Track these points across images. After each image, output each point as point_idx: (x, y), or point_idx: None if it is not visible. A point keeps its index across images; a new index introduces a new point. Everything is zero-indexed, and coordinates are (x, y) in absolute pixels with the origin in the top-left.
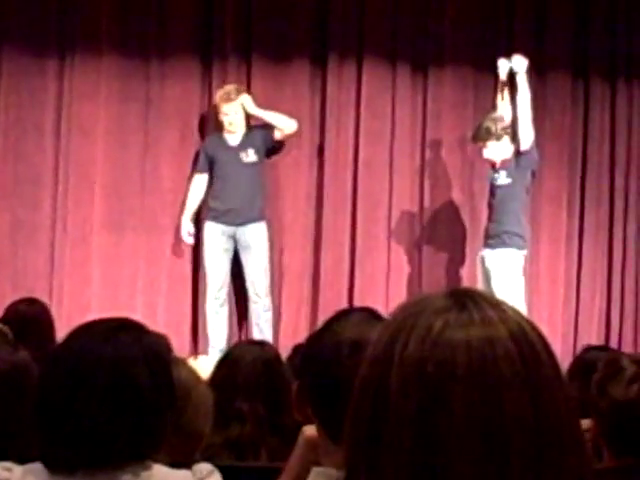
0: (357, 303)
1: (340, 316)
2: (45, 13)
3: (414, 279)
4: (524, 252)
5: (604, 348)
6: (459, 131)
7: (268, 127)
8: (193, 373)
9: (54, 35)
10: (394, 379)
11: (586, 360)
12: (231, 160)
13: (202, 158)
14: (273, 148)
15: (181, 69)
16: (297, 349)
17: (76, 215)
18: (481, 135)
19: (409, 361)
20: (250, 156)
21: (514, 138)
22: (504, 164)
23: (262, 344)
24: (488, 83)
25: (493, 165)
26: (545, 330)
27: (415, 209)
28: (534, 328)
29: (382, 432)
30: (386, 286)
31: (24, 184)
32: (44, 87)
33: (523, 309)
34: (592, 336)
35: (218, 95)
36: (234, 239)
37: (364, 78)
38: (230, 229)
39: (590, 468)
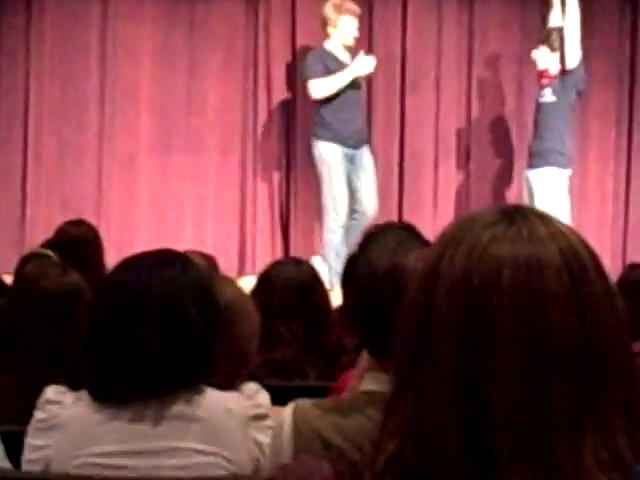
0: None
1: (376, 236)
2: None
3: (462, 198)
4: (568, 171)
5: None
6: (506, 49)
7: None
8: (240, 292)
9: None
10: (440, 292)
11: (631, 279)
12: (352, 82)
13: (318, 65)
14: None
15: None
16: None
17: (123, 137)
18: (541, 37)
19: (455, 274)
20: (363, 82)
21: (562, 56)
22: (550, 81)
23: (298, 264)
24: (534, 1)
25: (539, 81)
26: (594, 248)
27: (462, 127)
28: (586, 245)
29: (428, 346)
30: (434, 205)
31: (70, 106)
32: (88, 8)
33: None
34: None
35: (335, 7)
36: (350, 162)
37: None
38: (351, 151)
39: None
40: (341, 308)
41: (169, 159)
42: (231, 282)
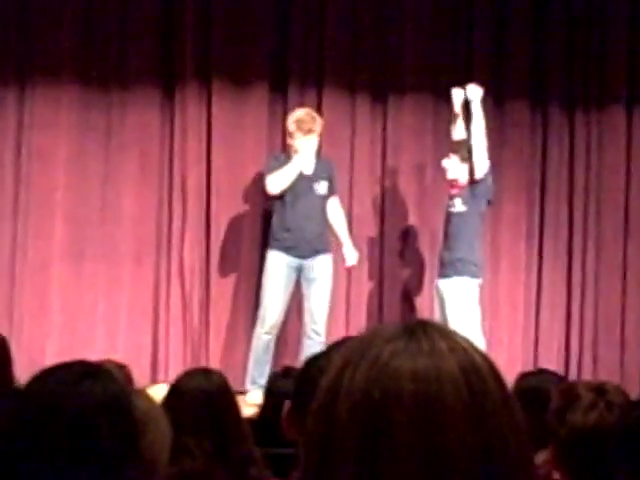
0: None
1: (338, 344)
2: (4, 42)
3: (374, 309)
4: (479, 280)
5: (539, 372)
6: (418, 159)
7: (331, 161)
8: (151, 405)
9: (13, 64)
10: (341, 406)
11: (522, 388)
12: (306, 190)
13: (277, 166)
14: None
15: (141, 97)
16: None
17: (36, 244)
18: (453, 147)
19: (356, 388)
20: (322, 188)
21: (470, 166)
22: (459, 191)
23: (208, 374)
24: (447, 111)
25: (449, 192)
26: (504, 357)
27: (376, 237)
28: (485, 359)
29: (329, 460)
30: (346, 315)
31: None
32: (4, 116)
33: (479, 337)
34: (552, 363)
35: (296, 122)
36: (298, 272)
37: (324, 106)
38: (297, 261)
39: None
40: (290, 411)
41: (82, 267)
42: (143, 394)
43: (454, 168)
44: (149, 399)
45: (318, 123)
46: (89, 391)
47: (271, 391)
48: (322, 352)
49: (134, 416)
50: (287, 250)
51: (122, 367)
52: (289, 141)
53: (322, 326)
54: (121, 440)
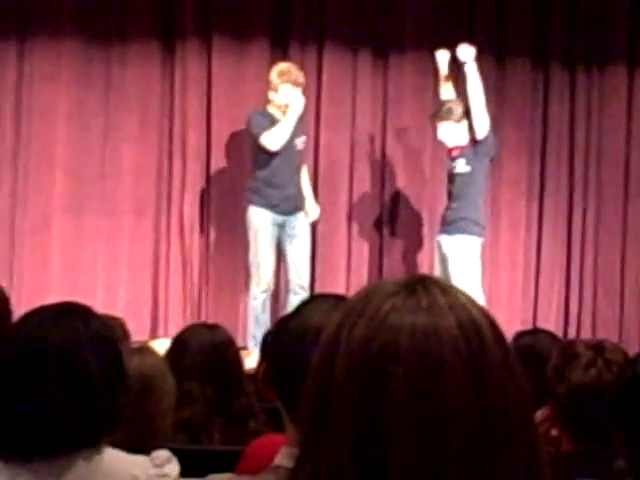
0: (318, 289)
1: (308, 303)
2: None
3: (374, 265)
4: (481, 239)
5: (534, 331)
6: (419, 117)
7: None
8: (158, 362)
9: (14, 18)
10: (339, 361)
11: (518, 347)
12: (290, 147)
13: (265, 122)
14: None
15: (142, 53)
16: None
17: (36, 198)
18: (441, 114)
19: (354, 343)
20: (300, 143)
21: (470, 127)
22: (462, 152)
23: (213, 327)
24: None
25: (449, 152)
26: (503, 316)
27: (376, 195)
28: (485, 315)
29: (327, 414)
30: (347, 272)
31: None
32: (4, 70)
33: (479, 295)
34: (550, 322)
35: (280, 73)
36: (281, 228)
37: (325, 63)
38: (281, 218)
39: (541, 458)
40: (265, 371)
41: (82, 221)
42: (150, 351)
43: (451, 135)
44: (155, 356)
45: (303, 76)
46: (71, 325)
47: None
48: (292, 312)
49: (119, 347)
50: (272, 207)
51: (116, 319)
52: (271, 95)
53: (306, 280)
54: (109, 370)
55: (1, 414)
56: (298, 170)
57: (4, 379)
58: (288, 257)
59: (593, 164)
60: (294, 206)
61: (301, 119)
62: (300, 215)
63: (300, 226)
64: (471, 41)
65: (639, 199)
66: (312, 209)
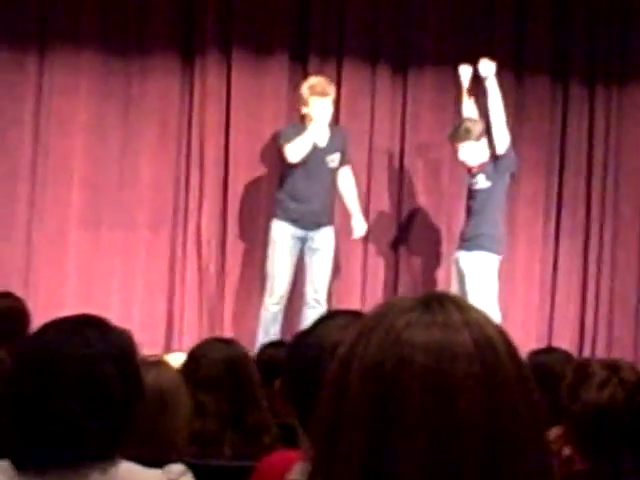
0: (334, 304)
1: (325, 319)
2: (25, 7)
3: (390, 281)
4: (499, 257)
5: (549, 349)
6: (438, 132)
7: (344, 129)
8: (174, 377)
9: (35, 30)
10: (354, 376)
11: (532, 365)
12: (318, 162)
13: (293, 134)
14: None
15: (161, 66)
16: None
17: (53, 210)
18: (460, 135)
19: (369, 359)
20: (334, 161)
21: (490, 142)
22: (482, 168)
23: (229, 342)
24: None
25: (469, 169)
26: (519, 333)
27: (393, 210)
28: (500, 333)
29: (340, 430)
30: (362, 289)
31: (1, 178)
32: (24, 81)
33: (496, 312)
34: (566, 340)
35: (310, 87)
36: (302, 242)
37: (344, 77)
38: (302, 232)
39: (553, 477)
40: (281, 386)
41: (99, 234)
42: (166, 366)
43: (472, 154)
44: (170, 370)
45: (333, 88)
46: (89, 337)
47: (260, 360)
48: (309, 328)
49: (136, 359)
50: (293, 222)
51: (125, 332)
52: (304, 110)
53: (323, 295)
54: (126, 383)
55: (19, 425)
56: (328, 187)
57: (23, 390)
58: (307, 271)
59: (611, 181)
60: (317, 221)
61: (337, 135)
62: (324, 230)
63: (323, 241)
64: (491, 57)
65: None
66: (358, 225)
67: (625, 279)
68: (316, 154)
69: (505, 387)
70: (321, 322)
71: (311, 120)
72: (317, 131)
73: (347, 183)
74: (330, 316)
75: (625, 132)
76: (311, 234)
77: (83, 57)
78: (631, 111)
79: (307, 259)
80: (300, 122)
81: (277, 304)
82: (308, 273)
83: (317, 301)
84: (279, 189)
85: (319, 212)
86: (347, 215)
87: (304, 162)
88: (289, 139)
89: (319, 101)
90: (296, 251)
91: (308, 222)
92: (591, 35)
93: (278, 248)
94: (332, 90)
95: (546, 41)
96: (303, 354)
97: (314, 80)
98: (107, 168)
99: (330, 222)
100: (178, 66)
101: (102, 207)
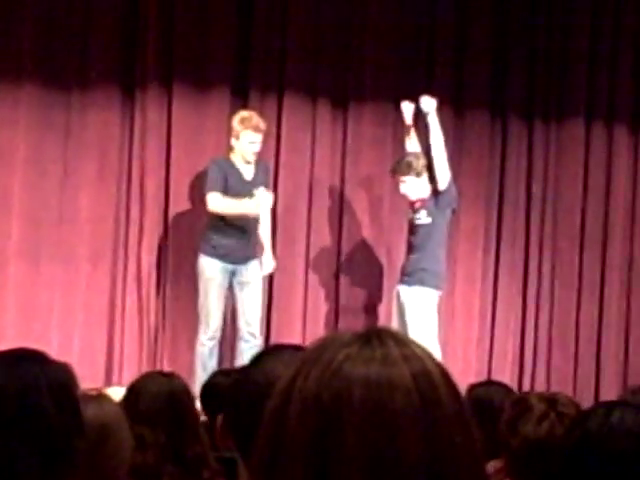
0: (274, 338)
1: (270, 353)
2: None
3: (331, 314)
4: (439, 292)
5: (488, 383)
6: (378, 166)
7: (267, 162)
8: (115, 411)
9: None
10: (293, 410)
11: (471, 399)
12: (245, 196)
13: (219, 179)
14: None
15: (102, 98)
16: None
17: None
18: (402, 168)
19: (307, 391)
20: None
21: (432, 178)
22: (424, 203)
23: (169, 376)
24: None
25: (412, 204)
26: (458, 367)
27: (334, 244)
28: (439, 367)
29: (278, 462)
30: (303, 322)
31: None
32: None
33: (435, 347)
34: (505, 374)
35: (241, 120)
36: (231, 276)
37: (284, 112)
38: (231, 266)
39: None
40: (223, 420)
41: (38, 267)
42: (107, 399)
43: (413, 189)
44: (112, 404)
45: (264, 124)
46: (28, 371)
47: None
48: (252, 362)
49: (75, 393)
50: (221, 257)
51: (64, 365)
52: (233, 142)
53: (257, 328)
54: (66, 416)
55: None
56: (254, 220)
57: None
58: (238, 304)
59: (549, 216)
60: (245, 256)
61: (264, 170)
62: (253, 264)
63: (252, 275)
64: (430, 92)
65: (594, 252)
66: (267, 262)
67: (564, 312)
68: (243, 188)
69: (443, 421)
70: (266, 356)
71: (240, 153)
72: (244, 210)
73: (263, 218)
74: (273, 350)
75: (563, 167)
76: (239, 268)
77: (23, 89)
78: (569, 146)
79: (237, 293)
80: (227, 153)
81: (212, 339)
82: (239, 307)
83: (251, 334)
84: (206, 224)
85: (247, 246)
86: (289, 246)
87: (232, 196)
88: (215, 184)
89: (254, 136)
90: (226, 285)
91: (237, 257)
92: (530, 71)
93: (210, 284)
94: (264, 126)
95: (484, 76)
96: (248, 389)
97: (245, 114)
98: (47, 201)
99: (257, 255)
100: (118, 99)
101: (42, 241)
